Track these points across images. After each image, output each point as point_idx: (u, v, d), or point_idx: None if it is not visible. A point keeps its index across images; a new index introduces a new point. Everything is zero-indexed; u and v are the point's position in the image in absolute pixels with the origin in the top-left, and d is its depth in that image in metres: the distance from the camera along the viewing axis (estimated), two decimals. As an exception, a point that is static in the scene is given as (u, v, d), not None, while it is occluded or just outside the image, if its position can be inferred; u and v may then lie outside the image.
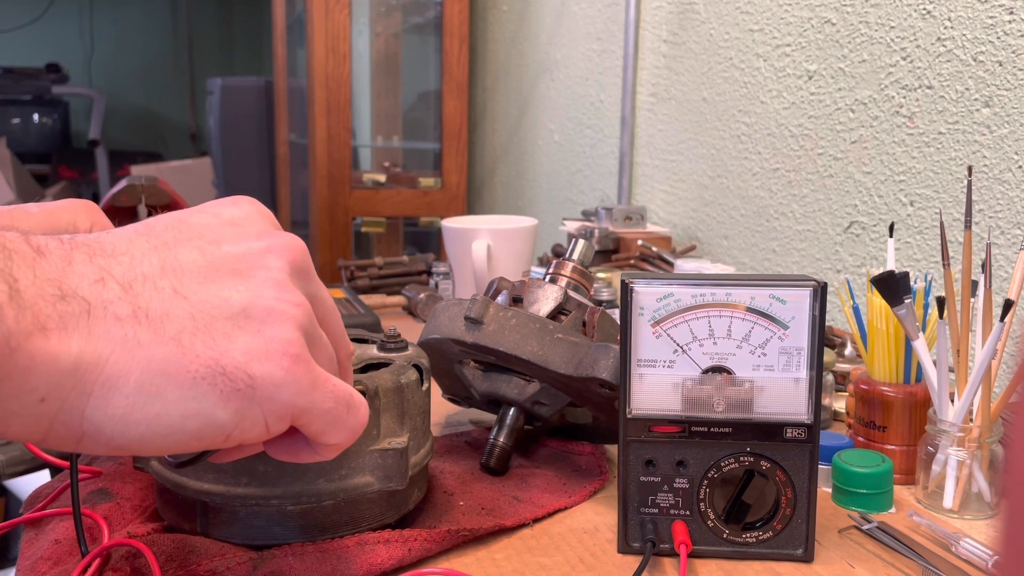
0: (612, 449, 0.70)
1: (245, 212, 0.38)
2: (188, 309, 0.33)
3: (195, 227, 0.36)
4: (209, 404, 0.33)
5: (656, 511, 0.54)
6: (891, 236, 0.70)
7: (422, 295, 1.14)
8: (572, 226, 1.39)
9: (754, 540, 0.54)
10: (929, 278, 0.68)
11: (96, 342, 0.31)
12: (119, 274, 0.32)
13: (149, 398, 0.32)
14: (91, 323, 0.31)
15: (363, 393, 0.51)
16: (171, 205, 1.02)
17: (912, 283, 0.65)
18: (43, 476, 1.77)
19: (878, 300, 0.65)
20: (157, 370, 0.32)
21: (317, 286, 0.38)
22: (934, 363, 0.62)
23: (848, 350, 0.88)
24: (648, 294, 0.53)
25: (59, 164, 4.53)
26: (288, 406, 0.34)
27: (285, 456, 0.39)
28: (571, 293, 0.67)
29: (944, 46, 0.94)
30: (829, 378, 0.75)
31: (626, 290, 0.53)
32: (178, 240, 0.35)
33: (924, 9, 0.97)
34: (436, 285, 1.23)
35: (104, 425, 0.32)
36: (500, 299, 0.68)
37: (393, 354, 0.59)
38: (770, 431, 0.53)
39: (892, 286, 0.62)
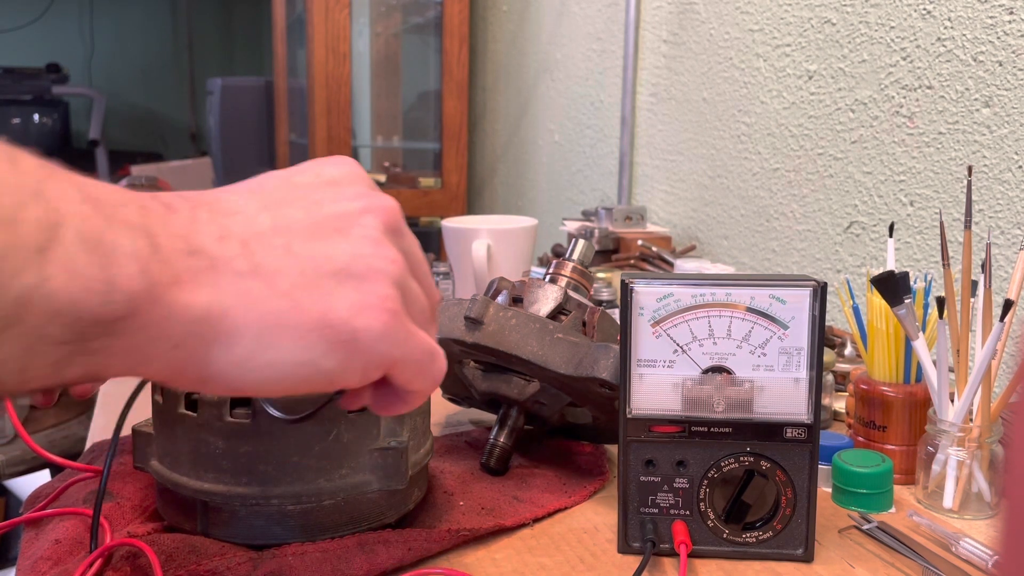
0: (612, 449, 0.70)
1: (343, 172, 0.41)
2: (297, 265, 0.36)
3: (300, 187, 0.39)
4: (317, 354, 0.36)
5: (656, 511, 0.54)
6: (891, 236, 0.70)
7: (422, 295, 1.14)
8: (572, 226, 1.39)
9: (754, 540, 0.54)
10: (929, 278, 0.68)
11: (221, 295, 0.34)
12: (238, 232, 0.36)
13: (265, 347, 0.35)
14: (216, 277, 0.34)
15: None
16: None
17: (912, 283, 0.65)
18: (43, 476, 1.77)
19: (878, 300, 0.65)
20: (272, 322, 0.35)
21: (408, 241, 0.41)
22: (934, 363, 0.62)
23: (848, 350, 0.88)
24: (648, 294, 0.53)
25: (59, 164, 4.53)
26: (385, 356, 0.37)
27: (384, 410, 0.42)
28: (571, 293, 0.67)
29: (944, 46, 0.94)
30: (829, 378, 0.75)
31: (626, 290, 0.53)
32: (286, 199, 0.38)
33: (924, 9, 0.97)
34: (436, 285, 1.23)
35: (225, 370, 0.35)
36: (500, 299, 0.68)
37: (393, 354, 0.59)
38: (770, 431, 0.53)
39: (892, 286, 0.62)
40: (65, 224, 0.30)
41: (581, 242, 0.72)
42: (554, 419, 0.69)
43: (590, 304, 0.68)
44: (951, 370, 0.63)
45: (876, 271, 0.64)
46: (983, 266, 0.61)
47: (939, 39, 0.95)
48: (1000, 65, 0.88)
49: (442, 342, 0.65)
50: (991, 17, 0.89)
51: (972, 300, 0.63)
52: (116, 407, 0.80)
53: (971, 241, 0.62)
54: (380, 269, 0.38)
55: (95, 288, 0.30)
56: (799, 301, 0.52)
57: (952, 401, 0.62)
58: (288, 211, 0.38)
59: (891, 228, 0.70)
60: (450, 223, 1.11)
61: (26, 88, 4.45)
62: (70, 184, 0.32)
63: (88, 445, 0.71)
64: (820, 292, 0.52)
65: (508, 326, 0.62)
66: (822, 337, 0.52)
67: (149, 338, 0.32)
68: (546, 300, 0.66)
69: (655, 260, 1.24)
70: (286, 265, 0.36)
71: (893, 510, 0.61)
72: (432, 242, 2.62)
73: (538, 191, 2.10)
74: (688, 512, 0.54)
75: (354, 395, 0.42)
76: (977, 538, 0.55)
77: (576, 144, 1.88)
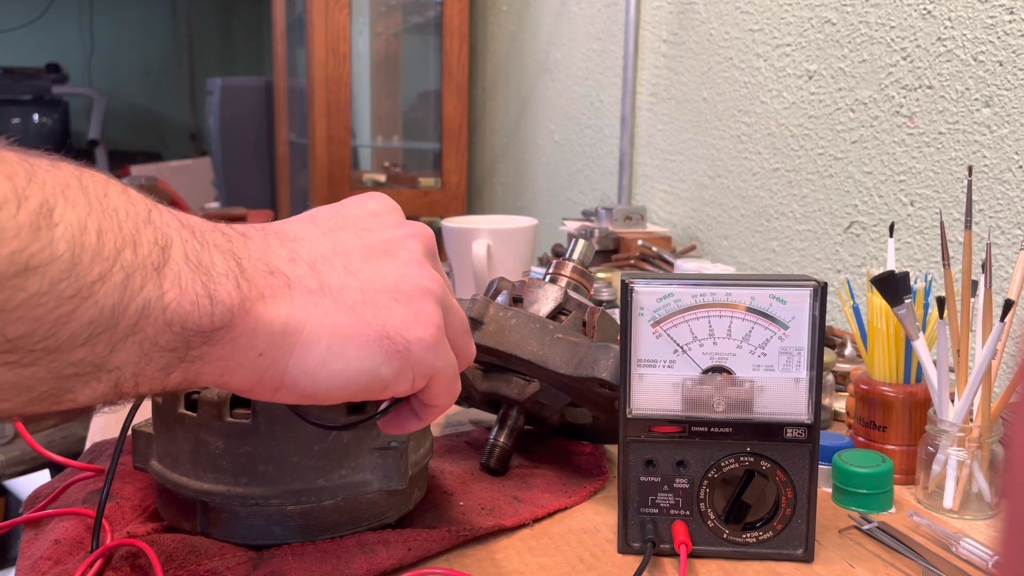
0: (612, 449, 0.70)
1: (383, 205, 0.46)
2: (357, 284, 0.40)
3: (349, 217, 0.44)
4: (377, 362, 0.40)
5: (656, 511, 0.54)
6: (891, 236, 0.70)
7: (422, 295, 1.14)
8: (572, 226, 1.39)
9: (754, 540, 0.54)
10: (929, 278, 0.68)
11: (296, 310, 0.38)
12: (304, 255, 0.40)
13: (334, 356, 0.39)
14: (292, 294, 0.38)
15: None
16: (171, 205, 1.02)
17: (912, 283, 0.65)
18: (43, 476, 1.77)
19: (878, 300, 0.65)
20: (340, 333, 0.39)
21: (440, 266, 0.45)
22: (934, 363, 0.62)
23: (848, 350, 0.88)
24: (648, 294, 0.53)
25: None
26: (431, 366, 0.42)
27: (397, 428, 0.46)
28: (571, 293, 0.67)
29: (944, 46, 0.94)
30: (829, 378, 0.75)
31: (626, 290, 0.53)
32: (339, 227, 0.43)
33: (924, 9, 0.97)
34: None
35: (300, 378, 0.38)
36: (500, 299, 0.68)
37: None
38: (770, 431, 0.53)
39: (892, 286, 0.62)
40: (173, 246, 0.34)
41: (581, 242, 0.72)
42: (554, 419, 0.69)
43: (590, 304, 0.68)
44: (951, 370, 0.63)
45: (876, 271, 0.64)
46: (983, 266, 0.61)
47: (939, 39, 0.95)
48: (1000, 65, 0.88)
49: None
50: (991, 17, 0.89)
51: (972, 300, 0.63)
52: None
53: (971, 241, 0.62)
54: (425, 288, 0.42)
55: (200, 302, 0.35)
56: (799, 301, 0.52)
57: (952, 401, 0.62)
58: (343, 237, 0.42)
59: (891, 228, 0.70)
60: (450, 223, 1.11)
61: (26, 88, 4.45)
62: (168, 212, 0.36)
63: (88, 445, 0.71)
64: (820, 292, 0.52)
65: (508, 326, 0.62)
66: (822, 337, 0.52)
67: (239, 347, 0.36)
68: (546, 300, 0.66)
69: (655, 260, 1.24)
70: (348, 283, 0.40)
71: (893, 510, 0.61)
72: (432, 242, 2.61)
73: (538, 191, 2.10)
74: (688, 512, 0.54)
75: (396, 417, 0.46)
76: (977, 538, 0.55)
77: (576, 144, 1.88)
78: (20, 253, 0.29)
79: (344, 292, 0.40)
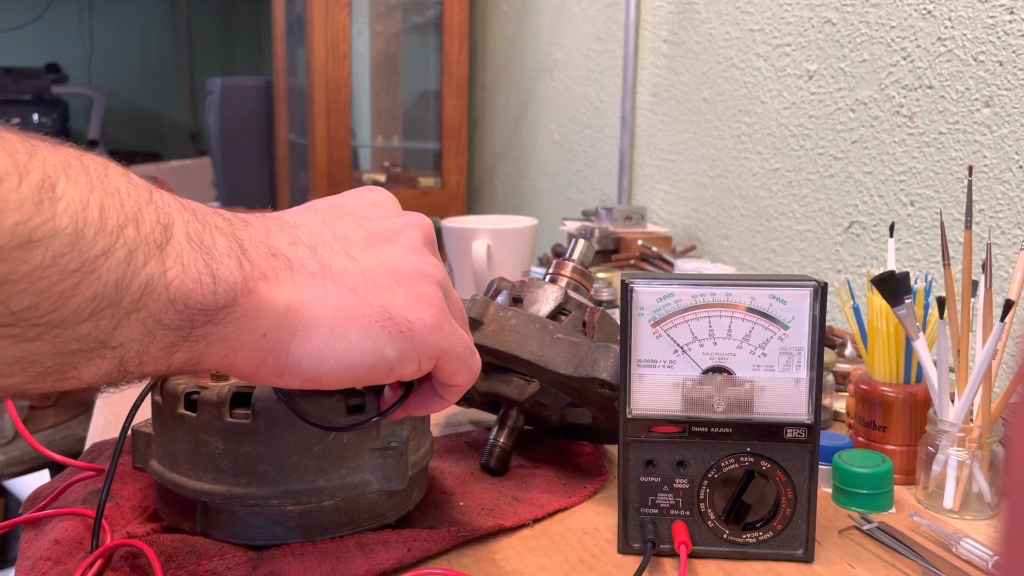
0: (612, 449, 0.70)
1: (382, 197, 0.47)
2: (358, 267, 0.41)
3: (348, 207, 0.45)
4: (381, 343, 0.40)
5: (656, 511, 0.54)
6: (891, 236, 0.70)
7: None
8: (572, 226, 1.39)
9: (754, 540, 0.54)
10: (929, 278, 0.68)
11: (298, 291, 0.39)
12: (305, 239, 0.41)
13: (337, 337, 0.39)
14: (294, 276, 0.39)
15: (363, 395, 0.51)
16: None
17: (912, 283, 0.65)
18: (43, 476, 1.77)
19: (878, 300, 0.65)
20: (343, 315, 0.40)
21: (438, 254, 0.46)
22: (934, 363, 0.62)
23: (848, 350, 0.88)
24: (648, 294, 0.53)
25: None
26: (436, 347, 0.42)
27: (422, 409, 0.47)
28: (571, 293, 0.67)
29: (944, 46, 0.94)
30: (829, 378, 0.75)
31: (626, 290, 0.53)
32: (339, 216, 0.44)
33: (924, 9, 0.97)
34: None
35: (303, 360, 0.39)
36: (500, 299, 0.68)
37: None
38: (770, 431, 0.53)
39: (892, 286, 0.62)
40: (175, 225, 0.35)
41: (581, 242, 0.72)
42: (554, 419, 0.69)
43: (590, 304, 0.68)
44: (951, 370, 0.63)
45: (876, 271, 0.64)
46: (984, 266, 0.61)
47: (939, 39, 0.95)
48: (1000, 65, 0.88)
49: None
50: (991, 17, 0.89)
51: (972, 300, 0.63)
52: (116, 407, 0.79)
53: (971, 241, 0.62)
54: (425, 272, 0.43)
55: (203, 280, 0.35)
56: (799, 301, 0.52)
57: (952, 401, 0.62)
58: (343, 224, 0.43)
59: (891, 228, 0.70)
60: (450, 223, 1.11)
61: (25, 88, 4.44)
62: (169, 195, 0.36)
63: (88, 445, 0.71)
64: (820, 292, 0.52)
65: (508, 326, 0.62)
66: (822, 337, 0.52)
67: (242, 327, 0.37)
68: (546, 300, 0.66)
69: (655, 260, 1.24)
70: (349, 267, 0.41)
71: (893, 510, 0.61)
72: (432, 242, 2.61)
73: (538, 191, 2.10)
74: (688, 512, 0.54)
75: (420, 398, 0.47)
76: (977, 538, 0.55)
77: (576, 144, 1.88)
78: (23, 225, 0.30)
79: (345, 275, 0.40)
